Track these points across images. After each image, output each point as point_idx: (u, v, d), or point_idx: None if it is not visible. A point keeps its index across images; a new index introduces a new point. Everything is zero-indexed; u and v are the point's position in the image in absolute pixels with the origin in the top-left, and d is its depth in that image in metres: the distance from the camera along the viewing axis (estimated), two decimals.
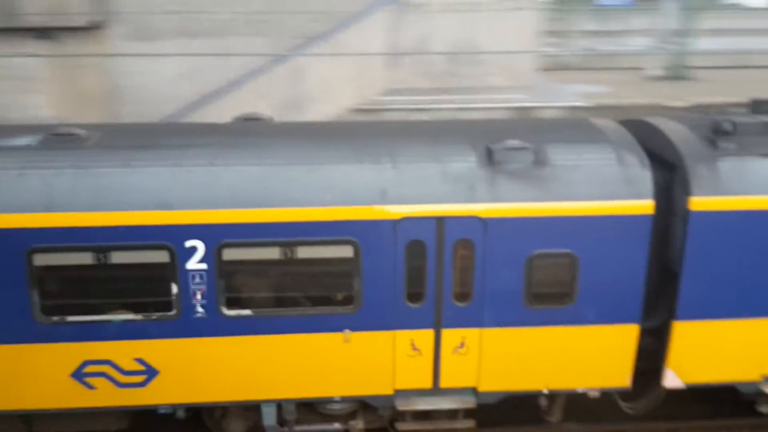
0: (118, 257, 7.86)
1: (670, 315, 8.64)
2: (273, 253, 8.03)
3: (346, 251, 8.07)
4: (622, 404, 9.51)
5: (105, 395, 8.38)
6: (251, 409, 9.04)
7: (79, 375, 8.26)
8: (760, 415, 9.58)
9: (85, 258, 7.82)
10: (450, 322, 8.48)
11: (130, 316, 8.12)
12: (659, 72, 27.72)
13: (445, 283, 8.35)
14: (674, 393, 9.12)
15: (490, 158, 8.23)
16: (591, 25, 35.82)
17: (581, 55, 32.00)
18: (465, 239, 8.15)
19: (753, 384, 8.98)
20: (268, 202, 7.90)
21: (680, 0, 27.63)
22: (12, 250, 7.74)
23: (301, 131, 9.23)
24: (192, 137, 8.69)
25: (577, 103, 16.77)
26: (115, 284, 8.10)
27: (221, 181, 7.96)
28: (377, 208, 7.99)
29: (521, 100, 16.81)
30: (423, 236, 8.13)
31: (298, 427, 9.06)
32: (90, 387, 8.32)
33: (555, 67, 28.99)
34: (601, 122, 9.28)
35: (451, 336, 8.54)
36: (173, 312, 8.12)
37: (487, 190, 8.09)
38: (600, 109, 20.93)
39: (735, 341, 8.76)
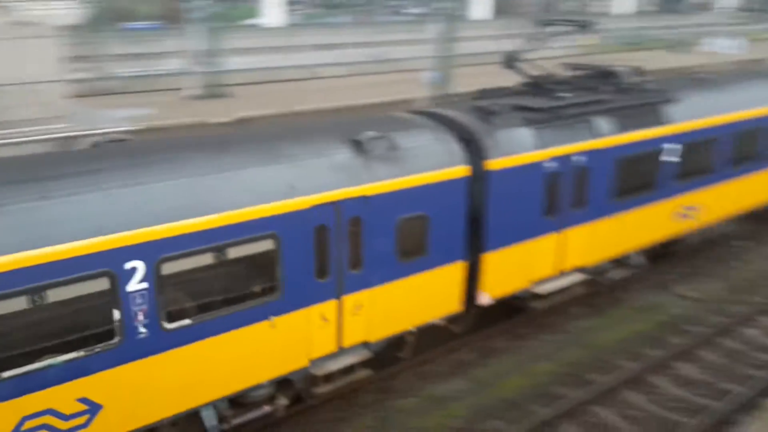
0: (54, 295, 7.43)
1: (480, 250, 11.27)
2: (206, 259, 8.44)
3: (268, 245, 8.88)
4: (451, 327, 11.90)
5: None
6: (178, 422, 9.01)
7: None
8: (534, 309, 12.87)
9: (18, 303, 7.26)
10: (348, 289, 9.84)
11: (72, 355, 7.67)
12: (198, 91, 28.79)
13: (343, 257, 9.66)
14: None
15: (359, 148, 9.84)
16: (123, 48, 35.35)
17: (122, 79, 31.31)
18: (355, 216, 9.62)
19: (527, 289, 12.32)
20: (199, 212, 8.27)
21: (203, 22, 28.97)
22: None
23: (194, 144, 9.66)
24: (86, 163, 8.36)
25: (124, 127, 16.29)
26: (53, 324, 7.60)
27: (151, 198, 8.08)
28: (289, 201, 8.97)
29: (62, 129, 15.55)
30: (325, 220, 9.35)
31: (235, 421, 9.50)
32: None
33: (93, 92, 27.73)
34: (407, 115, 11.70)
35: (350, 301, 9.92)
36: (116, 339, 7.94)
37: (364, 174, 9.72)
38: (148, 131, 20.68)
39: (519, 260, 11.92)
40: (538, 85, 13.25)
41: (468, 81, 39.54)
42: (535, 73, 13.30)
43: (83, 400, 7.88)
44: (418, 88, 28.85)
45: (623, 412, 10.85)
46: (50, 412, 7.69)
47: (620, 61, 51.52)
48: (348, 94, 31.34)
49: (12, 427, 7.49)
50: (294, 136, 10.01)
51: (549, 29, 14.10)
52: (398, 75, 37.30)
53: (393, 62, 41.16)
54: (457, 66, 32.18)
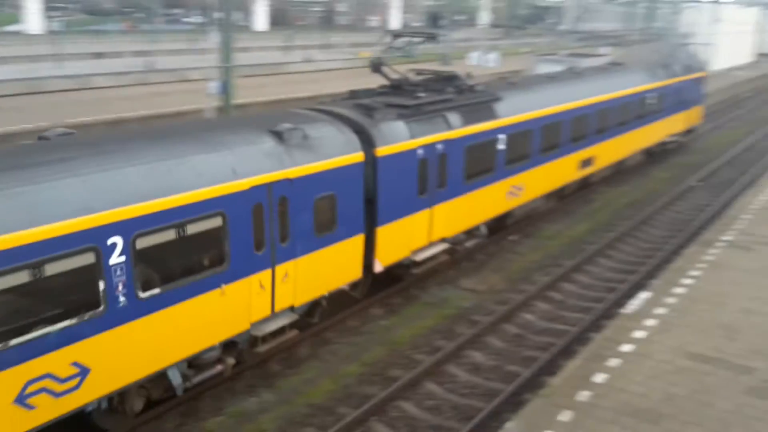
0: (51, 268, 8.32)
1: (374, 224, 13.23)
2: (170, 235, 9.58)
3: (218, 221, 10.16)
4: (351, 293, 13.57)
5: (44, 412, 8.58)
6: (144, 385, 10.06)
7: (21, 399, 8.30)
8: (413, 275, 14.98)
9: (22, 277, 8.07)
10: (279, 260, 11.30)
11: (67, 323, 8.56)
12: None
13: (275, 231, 11.10)
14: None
15: (281, 137, 11.31)
16: None
17: None
18: (283, 196, 11.13)
19: (408, 257, 14.49)
20: (162, 194, 9.40)
21: None
22: None
23: (144, 135, 10.94)
24: (56, 153, 9.19)
25: None
26: (49, 296, 8.46)
27: (122, 182, 9.12)
28: (233, 183, 10.31)
29: None
30: (261, 199, 10.79)
31: (194, 379, 10.62)
32: (31, 408, 8.42)
33: None
34: (308, 111, 13.36)
35: (280, 270, 11.38)
36: (101, 308, 8.91)
37: (288, 160, 11.27)
38: None
39: (403, 233, 14.08)
40: (399, 87, 15.84)
41: (252, 92, 39.22)
42: (395, 76, 16.08)
43: (75, 364, 8.78)
44: (202, 99, 27.96)
45: (424, 403, 11.39)
46: (49, 376, 8.53)
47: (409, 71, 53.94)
48: (125, 106, 29.51)
49: (18, 390, 8.24)
50: (227, 127, 11.47)
51: (400, 40, 17.31)
52: (181, 85, 35.93)
53: (173, 72, 39.56)
54: (241, 76, 31.77)
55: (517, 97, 17.96)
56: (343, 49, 74.96)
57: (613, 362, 11.01)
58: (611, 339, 11.79)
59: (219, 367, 10.99)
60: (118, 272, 9.03)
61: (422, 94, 15.04)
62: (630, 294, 14.85)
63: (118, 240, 8.94)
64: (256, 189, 10.65)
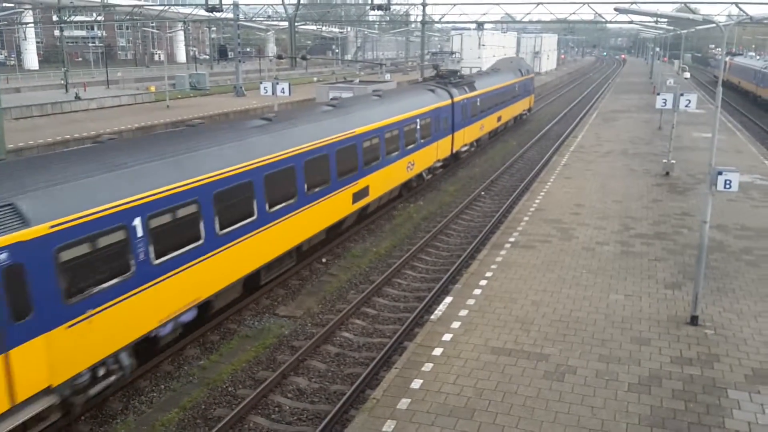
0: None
1: (454, 130, 29.46)
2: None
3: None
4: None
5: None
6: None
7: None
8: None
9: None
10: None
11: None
12: None
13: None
14: None
15: (449, 88, 24.54)
16: None
17: None
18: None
19: (459, 150, 27.45)
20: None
21: None
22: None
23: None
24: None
25: None
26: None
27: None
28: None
29: None
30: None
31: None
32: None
33: None
34: (425, 84, 26.06)
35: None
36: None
37: (439, 98, 28.54)
38: None
39: (461, 137, 31.79)
40: (441, 76, 34.57)
41: (26, 135, 36.01)
42: (441, 70, 35.20)
43: None
44: None
45: None
46: None
47: (194, 107, 53.07)
48: None
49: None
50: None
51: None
52: None
53: None
54: (12, 119, 29.08)
55: (482, 80, 37.59)
56: (127, 85, 71.40)
57: (428, 367, 11.67)
58: (424, 345, 12.50)
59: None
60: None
61: (454, 78, 33.57)
62: (436, 300, 15.84)
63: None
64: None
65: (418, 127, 25.59)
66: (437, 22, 75.34)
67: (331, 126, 18.97)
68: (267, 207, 15.43)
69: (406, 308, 16.38)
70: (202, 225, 13.20)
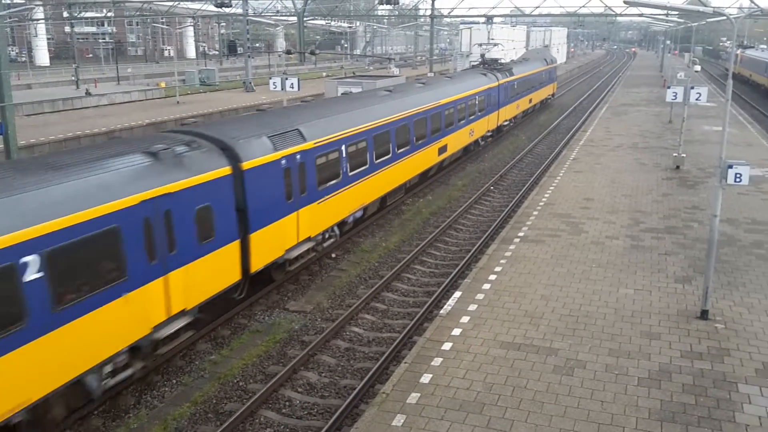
0: None
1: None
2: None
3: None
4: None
5: None
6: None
7: None
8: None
9: None
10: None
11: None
12: None
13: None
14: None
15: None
16: None
17: None
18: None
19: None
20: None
21: None
22: None
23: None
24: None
25: None
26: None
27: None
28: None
29: None
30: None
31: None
32: None
33: None
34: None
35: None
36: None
37: (490, 79, 35.23)
38: None
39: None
40: (485, 63, 40.30)
41: (37, 132, 36.28)
42: (486, 58, 41.43)
43: None
44: None
45: None
46: None
47: (203, 102, 53.29)
48: None
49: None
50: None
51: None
52: None
53: None
54: (23, 115, 29.30)
55: (517, 67, 43.19)
56: (138, 81, 71.71)
57: (437, 361, 11.72)
58: (433, 340, 12.54)
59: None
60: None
61: (497, 65, 39.63)
62: (445, 295, 15.88)
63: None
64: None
65: (477, 102, 32.68)
66: (446, 16, 75.08)
67: (425, 97, 25.86)
68: (397, 149, 22.74)
69: (415, 303, 16.42)
70: (368, 155, 20.46)
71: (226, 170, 13.61)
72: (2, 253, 9.04)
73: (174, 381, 12.84)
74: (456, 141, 29.58)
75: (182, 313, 12.66)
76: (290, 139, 16.19)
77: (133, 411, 11.84)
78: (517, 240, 18.27)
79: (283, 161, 15.70)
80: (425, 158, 25.72)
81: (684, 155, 27.62)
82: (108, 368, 11.23)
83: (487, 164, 32.95)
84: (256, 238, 14.71)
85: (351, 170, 19.20)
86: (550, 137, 41.64)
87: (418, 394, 10.68)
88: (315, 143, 17.09)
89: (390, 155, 22.12)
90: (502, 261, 16.66)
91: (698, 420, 9.89)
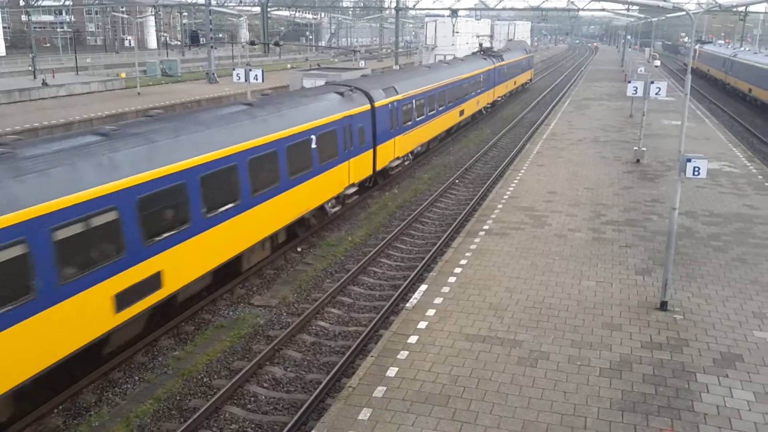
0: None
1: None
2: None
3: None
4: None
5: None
6: None
7: None
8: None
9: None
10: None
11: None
12: None
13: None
14: None
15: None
16: None
17: None
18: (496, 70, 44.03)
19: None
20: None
21: None
22: None
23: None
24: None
25: None
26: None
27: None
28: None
29: None
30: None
31: None
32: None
33: None
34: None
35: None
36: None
37: (492, 62, 48.20)
38: None
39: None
40: (484, 51, 53.94)
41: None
42: (485, 48, 57.54)
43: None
44: None
45: (226, 429, 11.19)
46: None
47: (165, 93, 52.30)
48: None
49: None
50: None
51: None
52: None
53: None
54: None
55: (506, 54, 54.18)
56: (97, 71, 70.17)
57: (403, 355, 11.76)
58: (399, 333, 12.58)
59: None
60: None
61: (491, 53, 51.55)
62: (411, 288, 15.93)
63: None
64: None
65: (482, 80, 42.74)
66: (411, 9, 75.09)
67: (449, 74, 35.10)
68: (438, 107, 31.87)
69: (381, 296, 16.44)
70: (425, 109, 29.66)
71: (368, 107, 22.75)
72: (303, 134, 18.22)
73: (136, 378, 12.65)
74: (469, 108, 39.55)
75: (351, 186, 21.81)
76: (391, 92, 25.29)
77: (95, 409, 11.63)
78: (482, 233, 18.41)
79: (389, 105, 24.77)
80: (452, 117, 35.55)
81: (644, 149, 28.14)
82: (329, 205, 20.48)
83: (452, 158, 33.12)
84: (379, 149, 23.93)
85: (418, 117, 28.57)
86: (514, 131, 42.02)
87: (384, 388, 10.70)
88: (403, 96, 26.33)
89: (435, 111, 31.45)
90: (467, 254, 16.77)
91: (658, 409, 10.11)
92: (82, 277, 10.90)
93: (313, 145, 18.59)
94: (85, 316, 11.09)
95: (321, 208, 20.06)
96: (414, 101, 27.72)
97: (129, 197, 11.81)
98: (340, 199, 21.18)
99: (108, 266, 11.43)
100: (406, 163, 28.12)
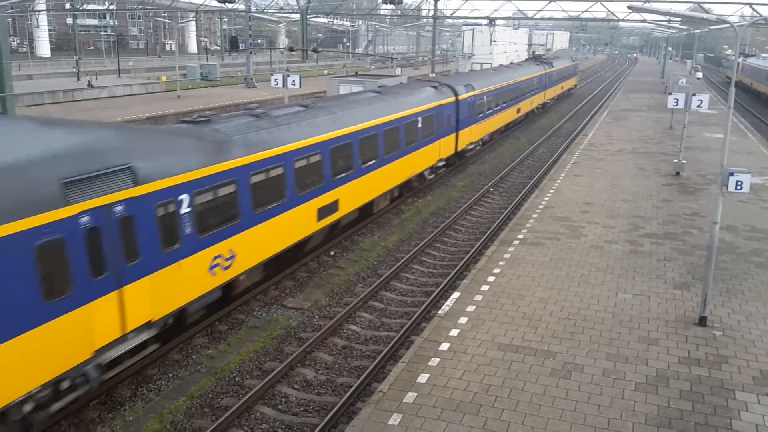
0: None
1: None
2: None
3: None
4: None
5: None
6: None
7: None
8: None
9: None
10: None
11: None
12: None
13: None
14: None
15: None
16: None
17: None
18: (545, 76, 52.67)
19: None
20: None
21: None
22: None
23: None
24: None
25: None
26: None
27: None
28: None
29: None
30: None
31: None
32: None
33: None
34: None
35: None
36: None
37: (545, 67, 54.70)
38: None
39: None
40: (536, 57, 63.22)
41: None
42: (538, 54, 69.00)
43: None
44: None
45: (257, 428, 11.27)
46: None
47: (204, 97, 53.07)
48: None
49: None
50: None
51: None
52: None
53: None
54: (24, 105, 29.24)
55: (555, 61, 60.90)
56: (139, 74, 71.59)
57: (434, 361, 11.70)
58: (430, 340, 12.53)
59: None
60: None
61: (543, 59, 58.51)
62: (444, 296, 15.86)
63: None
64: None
65: (534, 83, 48.69)
66: (449, 17, 75.05)
67: (511, 76, 41.13)
68: (501, 104, 37.49)
69: (413, 302, 16.40)
70: (492, 104, 35.22)
71: (453, 99, 28.27)
72: (415, 115, 23.59)
73: (170, 375, 12.82)
74: (525, 106, 45.19)
75: (441, 160, 27.56)
76: (469, 88, 30.95)
77: (129, 404, 11.82)
78: (516, 242, 18.26)
79: (468, 99, 30.22)
80: (511, 113, 41.00)
81: (684, 161, 27.65)
82: (427, 172, 26.41)
83: (487, 166, 32.97)
84: (460, 134, 29.43)
85: (487, 110, 34.15)
86: (550, 140, 41.66)
87: (415, 394, 10.66)
88: (477, 92, 31.83)
89: (499, 107, 37.09)
90: (501, 263, 16.65)
91: (695, 426, 9.89)
92: (303, 195, 16.90)
93: (419, 125, 24.48)
94: (305, 219, 17.13)
95: (421, 175, 25.93)
96: (485, 97, 33.60)
97: (325, 146, 17.98)
98: (433, 169, 27.22)
99: (314, 190, 17.38)
100: (477, 148, 34.16)
